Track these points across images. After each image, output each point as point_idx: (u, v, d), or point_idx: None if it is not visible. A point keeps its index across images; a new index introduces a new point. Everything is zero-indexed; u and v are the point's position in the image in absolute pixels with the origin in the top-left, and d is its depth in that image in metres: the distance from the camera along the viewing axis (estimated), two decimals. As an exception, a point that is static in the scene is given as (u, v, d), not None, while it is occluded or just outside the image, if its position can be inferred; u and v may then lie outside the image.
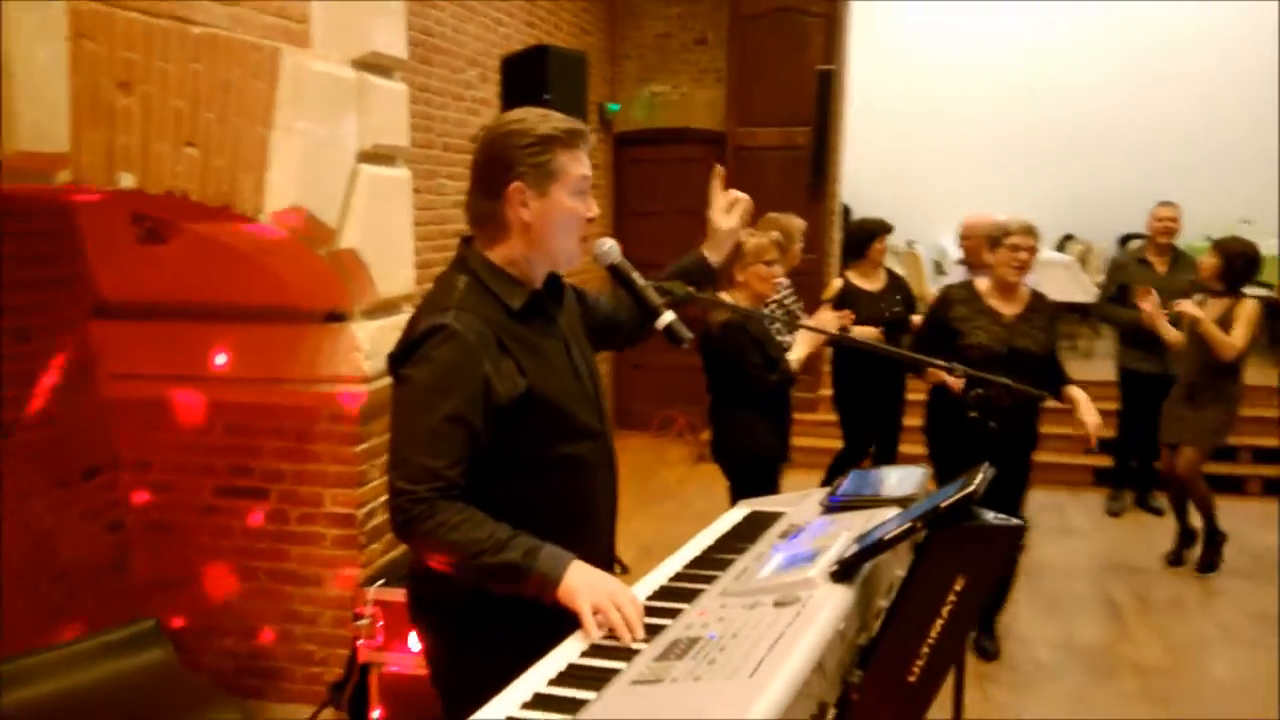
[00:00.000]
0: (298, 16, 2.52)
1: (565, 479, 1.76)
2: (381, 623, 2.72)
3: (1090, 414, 3.30)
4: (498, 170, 1.68)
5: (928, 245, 8.98)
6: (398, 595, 2.65)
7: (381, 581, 2.76)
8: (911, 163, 9.97)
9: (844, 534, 1.71)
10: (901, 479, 2.02)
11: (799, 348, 3.55)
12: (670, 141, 6.66)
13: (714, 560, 1.87)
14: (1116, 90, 9.63)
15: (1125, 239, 9.02)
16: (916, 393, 5.07)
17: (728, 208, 2.13)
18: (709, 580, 1.73)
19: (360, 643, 2.74)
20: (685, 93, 6.58)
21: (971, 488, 1.41)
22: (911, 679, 1.53)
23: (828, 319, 3.78)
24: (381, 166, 2.92)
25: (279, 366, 2.92)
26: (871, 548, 1.52)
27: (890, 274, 4.74)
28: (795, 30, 6.22)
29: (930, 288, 7.99)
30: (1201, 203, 7.65)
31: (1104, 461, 5.55)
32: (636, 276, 1.77)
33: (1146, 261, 5.12)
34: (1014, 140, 9.90)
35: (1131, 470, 5.42)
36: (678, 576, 1.80)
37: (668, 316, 1.72)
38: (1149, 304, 4.38)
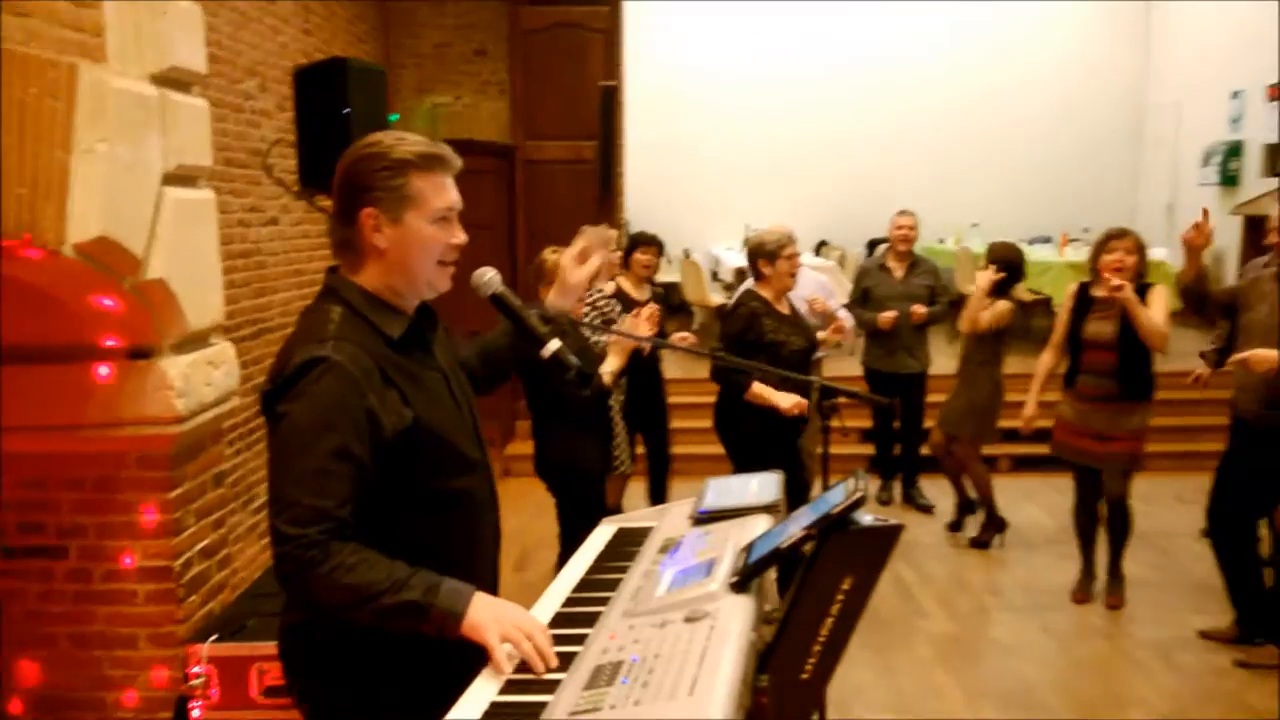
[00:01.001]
0: (92, 28, 2.30)
1: (452, 513, 1.73)
2: (214, 682, 2.54)
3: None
4: (351, 195, 1.64)
5: (704, 254, 9.41)
6: (233, 650, 2.48)
7: (214, 637, 2.57)
8: (686, 174, 10.42)
9: (728, 545, 1.80)
10: (762, 486, 2.13)
11: (611, 360, 3.62)
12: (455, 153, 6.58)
13: (600, 582, 1.90)
14: (866, 104, 10.59)
15: (873, 244, 9.88)
16: (684, 396, 5.33)
17: (581, 258, 2.01)
18: (602, 602, 1.76)
19: (193, 704, 2.53)
20: (468, 104, 6.53)
21: (860, 493, 1.53)
22: (805, 676, 1.64)
23: (640, 327, 3.90)
24: (186, 188, 2.71)
25: (76, 411, 2.63)
26: (769, 557, 1.61)
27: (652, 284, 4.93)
28: (576, 45, 6.34)
29: (710, 295, 8.41)
30: (936, 208, 8.57)
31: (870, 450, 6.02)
32: (521, 305, 1.77)
33: (887, 267, 5.58)
34: (777, 152, 10.61)
35: (895, 459, 5.88)
36: (570, 602, 1.82)
37: (554, 344, 1.73)
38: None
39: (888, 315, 5.31)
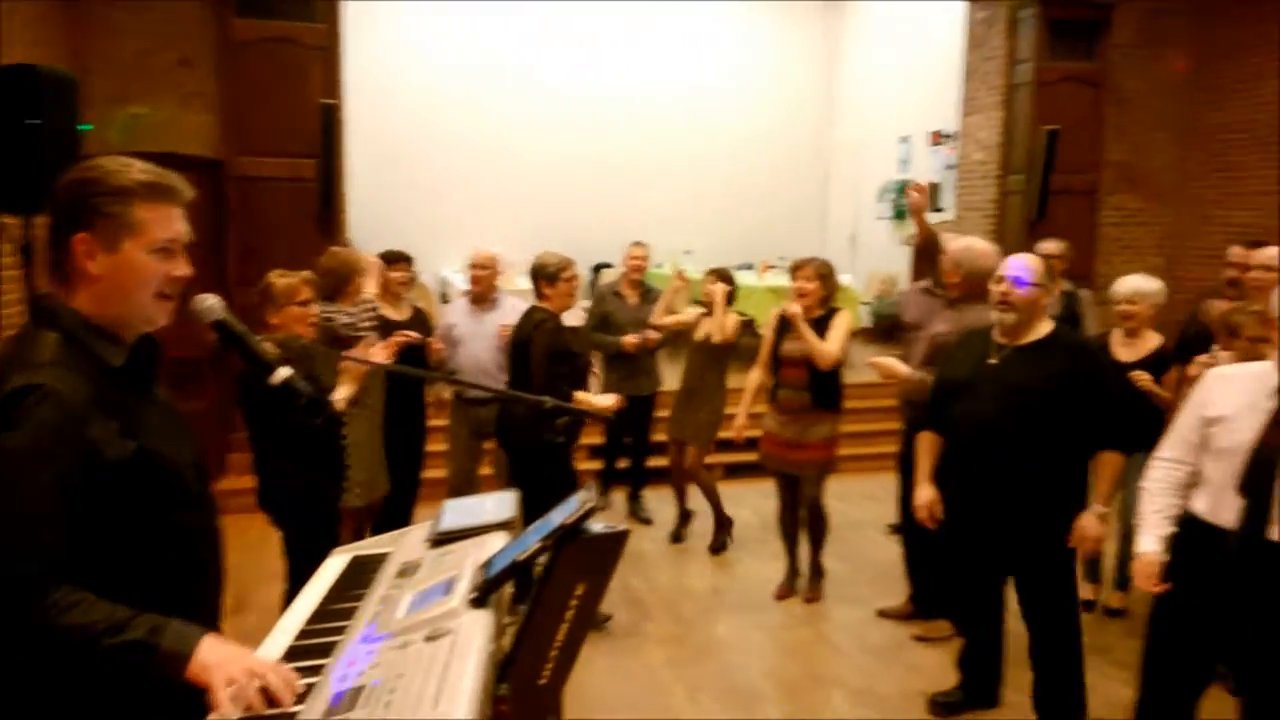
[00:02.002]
0: None
1: (176, 550, 1.65)
2: None
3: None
4: (66, 218, 1.56)
5: (432, 276, 9.32)
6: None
7: None
8: (413, 196, 10.30)
9: (467, 562, 1.85)
10: (497, 504, 2.19)
11: (344, 386, 3.54)
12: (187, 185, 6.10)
13: (335, 612, 1.88)
14: (591, 132, 11.03)
15: (597, 267, 10.27)
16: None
17: None
18: (339, 631, 1.75)
19: None
20: (171, 116, 6.08)
21: (592, 503, 1.64)
22: (543, 681, 1.73)
23: (375, 352, 3.85)
24: None
25: None
26: (507, 570, 1.68)
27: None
28: (292, 61, 6.10)
29: (439, 317, 8.32)
30: (655, 235, 9.05)
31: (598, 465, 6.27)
32: (246, 331, 1.73)
33: (620, 294, 5.89)
34: (504, 175, 10.76)
35: (618, 472, 6.18)
36: (304, 634, 1.78)
37: (284, 371, 1.70)
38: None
39: (631, 339, 5.55)
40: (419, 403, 4.87)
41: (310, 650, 1.69)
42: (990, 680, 3.57)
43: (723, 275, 5.27)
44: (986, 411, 3.18)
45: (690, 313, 5.46)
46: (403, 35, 10.42)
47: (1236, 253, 4.43)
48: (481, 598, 1.67)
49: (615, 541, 1.72)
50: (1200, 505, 2.64)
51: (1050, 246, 4.99)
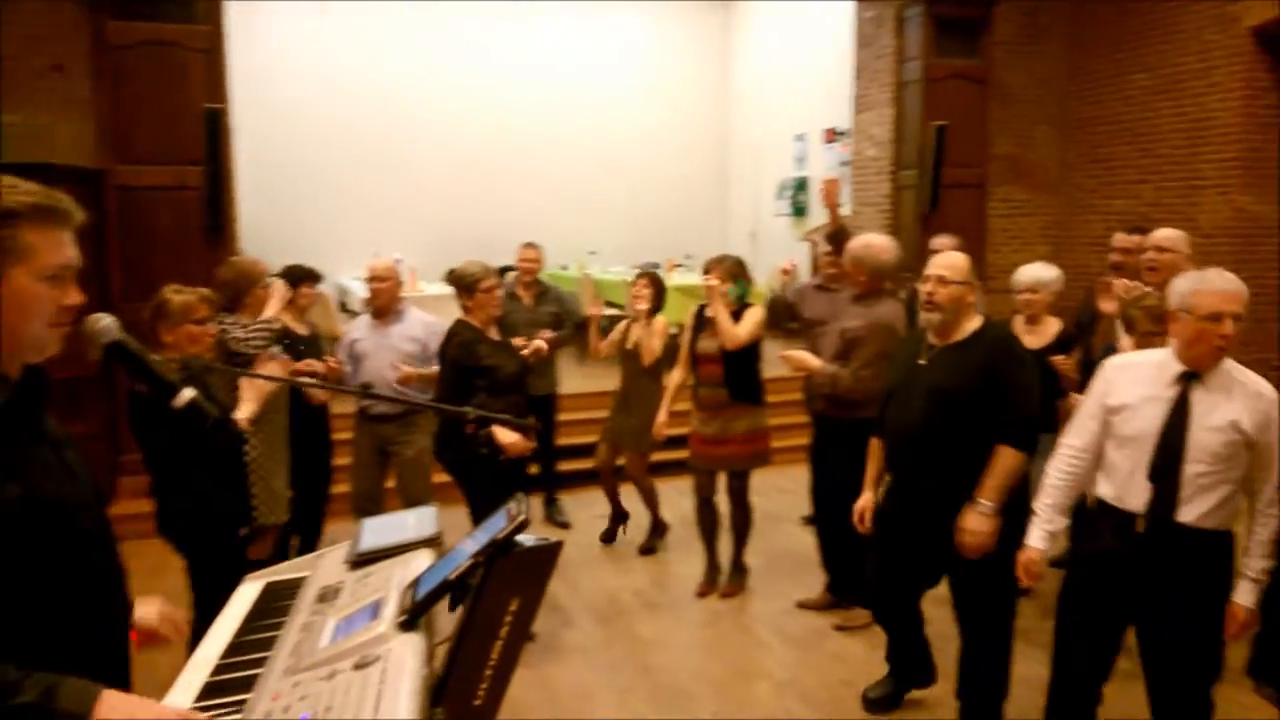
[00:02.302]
0: None
1: (75, 596, 1.53)
2: None
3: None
4: None
5: (330, 284, 9.05)
6: None
7: None
8: (307, 203, 10.00)
9: (392, 584, 1.78)
10: (419, 520, 2.12)
11: (247, 404, 3.40)
12: (28, 179, 5.73)
13: (252, 643, 1.78)
14: (491, 135, 10.91)
15: (501, 270, 10.12)
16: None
17: None
18: (259, 664, 1.67)
19: None
20: (45, 125, 5.73)
21: (522, 517, 1.60)
22: (478, 702, 1.68)
23: (273, 367, 3.71)
24: None
25: None
26: (438, 590, 1.62)
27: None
28: (174, 65, 5.83)
29: (339, 326, 8.10)
30: (558, 236, 9.01)
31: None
32: (143, 350, 1.62)
33: (516, 296, 5.82)
34: (402, 180, 10.55)
35: (531, 478, 6.10)
36: (220, 669, 1.69)
37: (188, 393, 1.60)
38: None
39: (519, 342, 5.46)
40: (324, 417, 4.74)
41: (228, 686, 1.60)
42: (922, 664, 3.61)
43: (652, 278, 5.24)
44: (914, 413, 3.16)
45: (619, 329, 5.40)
46: (290, 38, 10.11)
47: (1120, 239, 4.64)
48: (411, 620, 1.61)
49: (549, 554, 1.68)
50: (1106, 490, 2.73)
51: (943, 241, 5.14)
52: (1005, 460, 3.05)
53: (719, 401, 4.51)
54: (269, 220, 8.74)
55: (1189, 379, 2.58)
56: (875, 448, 3.47)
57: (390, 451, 4.70)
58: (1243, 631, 2.60)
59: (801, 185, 10.62)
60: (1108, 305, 4.26)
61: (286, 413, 4.07)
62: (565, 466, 6.31)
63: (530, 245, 5.94)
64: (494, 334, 4.21)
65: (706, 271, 4.62)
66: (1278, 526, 2.53)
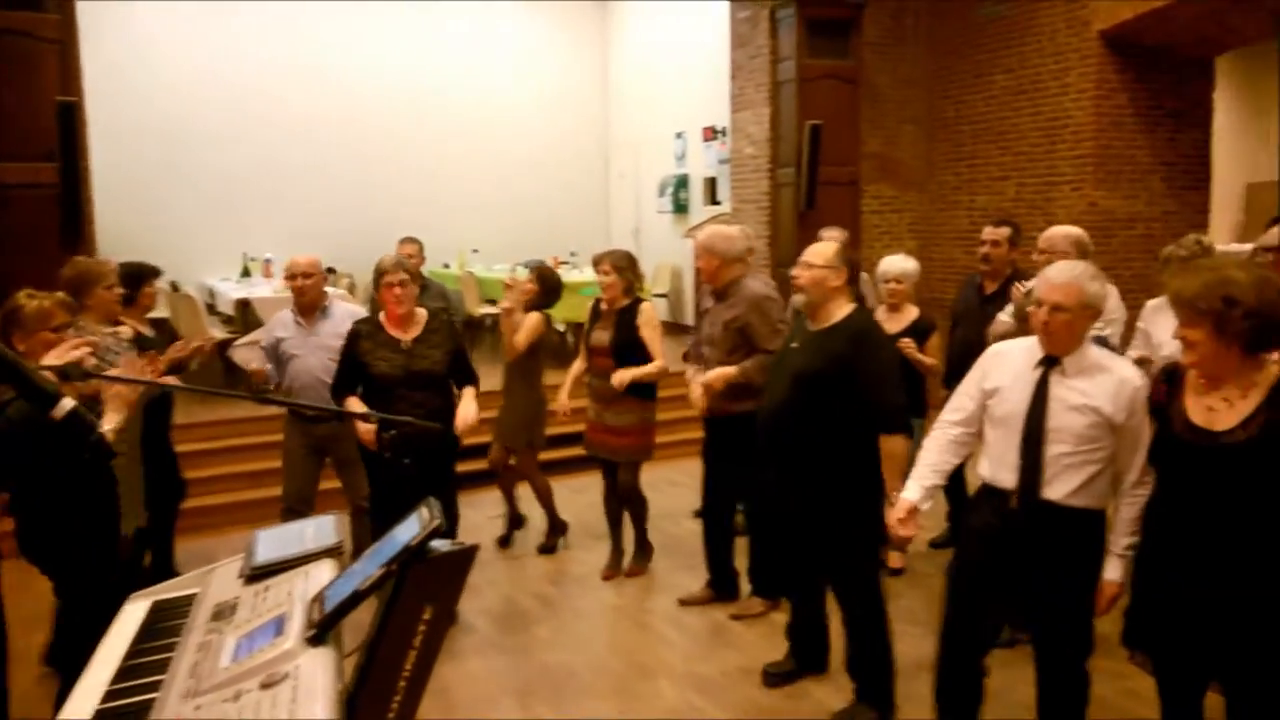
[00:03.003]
0: None
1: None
2: None
3: (465, 411, 4.02)
4: None
5: (196, 286, 8.64)
6: None
7: None
8: (171, 201, 9.53)
9: (295, 597, 1.72)
10: (319, 529, 2.05)
11: (112, 414, 3.19)
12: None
13: (144, 666, 1.69)
14: (367, 132, 10.62)
15: (381, 269, 9.90)
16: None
17: None
18: (153, 688, 1.58)
19: None
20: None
21: (436, 522, 1.56)
22: (391, 715, 1.63)
23: (138, 369, 3.51)
24: None
25: None
26: (348, 601, 1.56)
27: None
28: (23, 55, 5.45)
29: (210, 329, 7.74)
30: (440, 233, 8.87)
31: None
32: (19, 359, 1.51)
33: None
34: (275, 177, 10.15)
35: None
36: (110, 695, 1.60)
37: (68, 403, 1.50)
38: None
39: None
40: (168, 423, 4.67)
41: (122, 713, 1.52)
42: (818, 649, 3.74)
43: (541, 275, 5.15)
44: (779, 396, 3.36)
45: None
46: (149, 30, 9.62)
47: (988, 232, 4.87)
48: (321, 634, 1.55)
49: (463, 559, 1.65)
50: (984, 469, 2.87)
51: (831, 234, 5.31)
52: (887, 448, 3.23)
53: (609, 394, 4.54)
54: (130, 222, 8.30)
55: (1050, 364, 2.74)
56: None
57: (328, 450, 4.59)
58: (1110, 606, 2.76)
59: (682, 183, 10.74)
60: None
61: (140, 420, 3.90)
62: (461, 467, 6.19)
63: (409, 240, 5.86)
64: (401, 332, 4.10)
65: (596, 264, 4.66)
66: (1143, 505, 2.69)
